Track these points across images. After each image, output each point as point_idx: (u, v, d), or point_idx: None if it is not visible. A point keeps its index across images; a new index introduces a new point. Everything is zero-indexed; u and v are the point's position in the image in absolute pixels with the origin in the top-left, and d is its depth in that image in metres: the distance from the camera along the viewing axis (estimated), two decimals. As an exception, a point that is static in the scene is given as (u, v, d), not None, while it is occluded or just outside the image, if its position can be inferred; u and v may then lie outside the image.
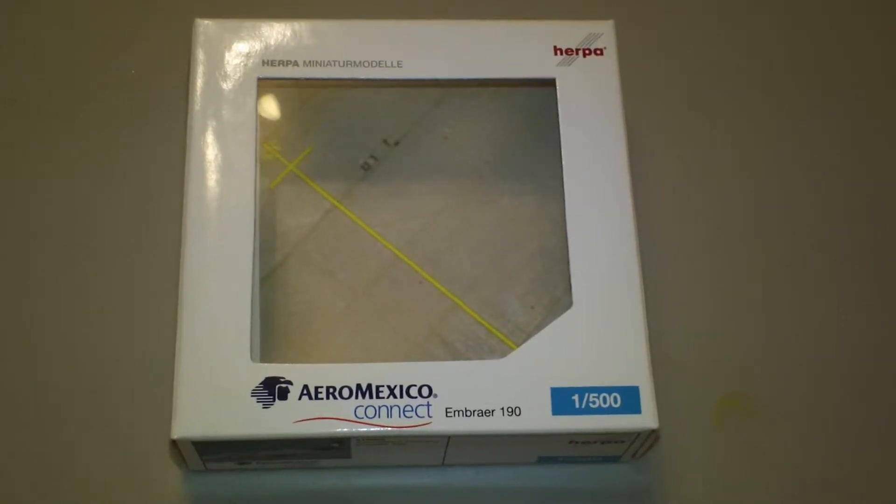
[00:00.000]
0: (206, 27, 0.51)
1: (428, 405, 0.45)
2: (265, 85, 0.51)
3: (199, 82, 0.50)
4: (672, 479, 0.51)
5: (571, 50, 0.51)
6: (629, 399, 0.46)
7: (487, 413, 0.45)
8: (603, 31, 0.52)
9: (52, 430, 0.51)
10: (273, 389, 0.45)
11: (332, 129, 0.53)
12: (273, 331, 0.49)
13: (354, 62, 0.51)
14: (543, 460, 0.50)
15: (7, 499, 0.50)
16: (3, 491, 0.50)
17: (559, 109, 0.50)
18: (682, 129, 0.58)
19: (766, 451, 0.52)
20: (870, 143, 0.59)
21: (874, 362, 0.54)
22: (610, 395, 0.46)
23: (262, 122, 0.51)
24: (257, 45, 0.51)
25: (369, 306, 0.50)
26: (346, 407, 0.45)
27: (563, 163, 0.50)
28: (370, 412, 0.45)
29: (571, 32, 0.52)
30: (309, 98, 0.54)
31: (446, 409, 0.45)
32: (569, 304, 0.48)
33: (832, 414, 0.53)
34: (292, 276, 0.50)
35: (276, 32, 0.51)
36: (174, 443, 0.45)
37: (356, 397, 0.45)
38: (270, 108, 0.53)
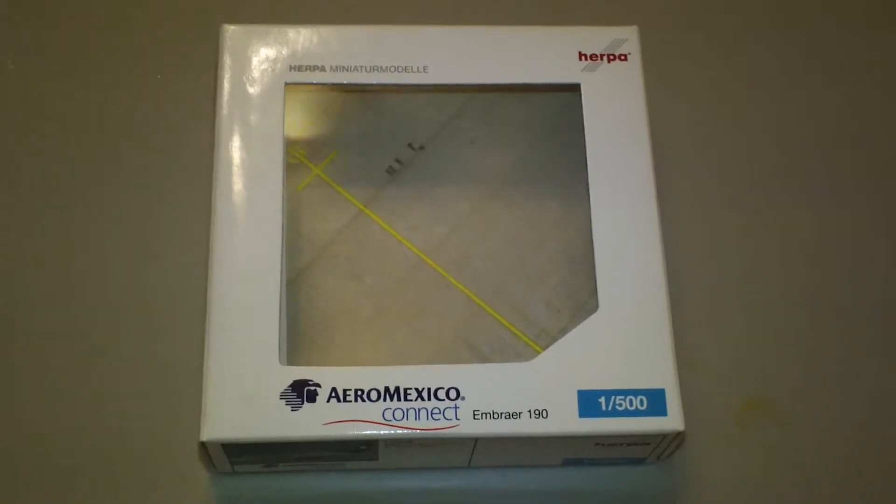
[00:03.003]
0: (233, 33, 0.51)
1: (455, 408, 0.46)
2: (292, 89, 0.51)
3: (227, 87, 0.50)
4: (696, 482, 0.51)
5: (596, 55, 0.52)
6: (655, 401, 0.46)
7: (514, 415, 0.46)
8: (627, 37, 0.52)
9: (81, 433, 0.51)
10: (302, 392, 0.45)
11: (357, 134, 0.54)
12: (299, 334, 0.49)
13: (381, 67, 0.51)
14: (569, 462, 0.50)
15: (37, 500, 0.50)
16: (33, 492, 0.50)
17: (584, 114, 0.51)
18: (706, 134, 0.58)
19: (788, 454, 0.52)
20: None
21: (897, 366, 0.54)
22: (636, 398, 0.46)
23: (289, 127, 0.51)
24: (284, 51, 0.51)
25: (395, 310, 0.50)
26: (374, 409, 0.45)
27: (589, 167, 0.50)
28: (398, 414, 0.45)
29: (596, 38, 0.52)
30: (335, 102, 0.54)
31: (474, 411, 0.45)
32: (594, 308, 0.48)
33: (854, 417, 0.53)
34: (319, 279, 0.51)
35: (303, 38, 0.51)
36: (203, 445, 0.45)
37: (384, 400, 0.45)
38: (297, 112, 0.53)
